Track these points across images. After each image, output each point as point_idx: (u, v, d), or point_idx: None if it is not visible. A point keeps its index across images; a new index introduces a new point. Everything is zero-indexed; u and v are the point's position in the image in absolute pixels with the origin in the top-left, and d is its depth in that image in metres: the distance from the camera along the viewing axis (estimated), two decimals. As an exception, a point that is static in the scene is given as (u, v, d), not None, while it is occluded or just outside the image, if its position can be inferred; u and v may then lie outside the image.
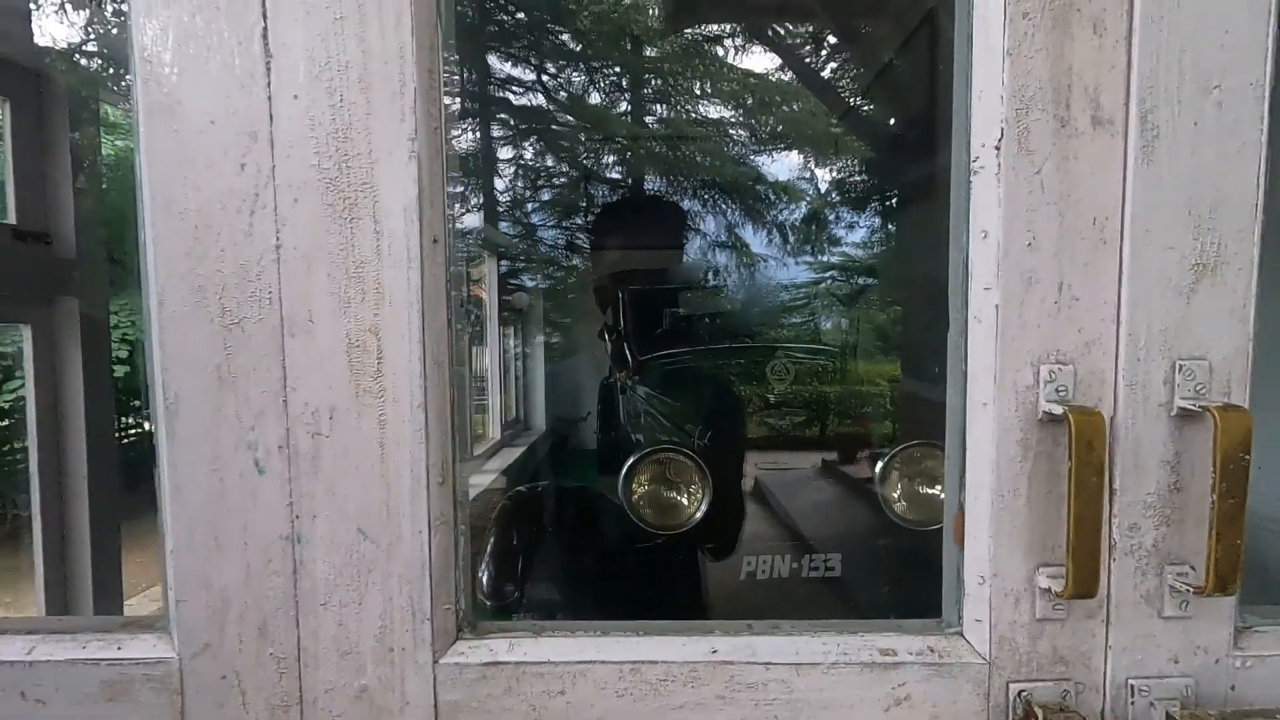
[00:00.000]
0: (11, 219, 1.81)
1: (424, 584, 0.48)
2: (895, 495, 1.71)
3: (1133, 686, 0.47)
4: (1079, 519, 0.44)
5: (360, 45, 0.45)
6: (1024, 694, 0.47)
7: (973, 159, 0.46)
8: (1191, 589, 0.45)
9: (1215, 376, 0.46)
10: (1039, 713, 0.46)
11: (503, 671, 0.48)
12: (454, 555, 0.49)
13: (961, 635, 0.49)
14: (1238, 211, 0.45)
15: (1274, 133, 0.45)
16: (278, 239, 0.46)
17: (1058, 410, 0.45)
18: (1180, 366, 0.45)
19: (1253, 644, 0.48)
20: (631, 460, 1.94)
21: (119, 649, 0.49)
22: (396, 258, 0.46)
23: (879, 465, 1.84)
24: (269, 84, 0.45)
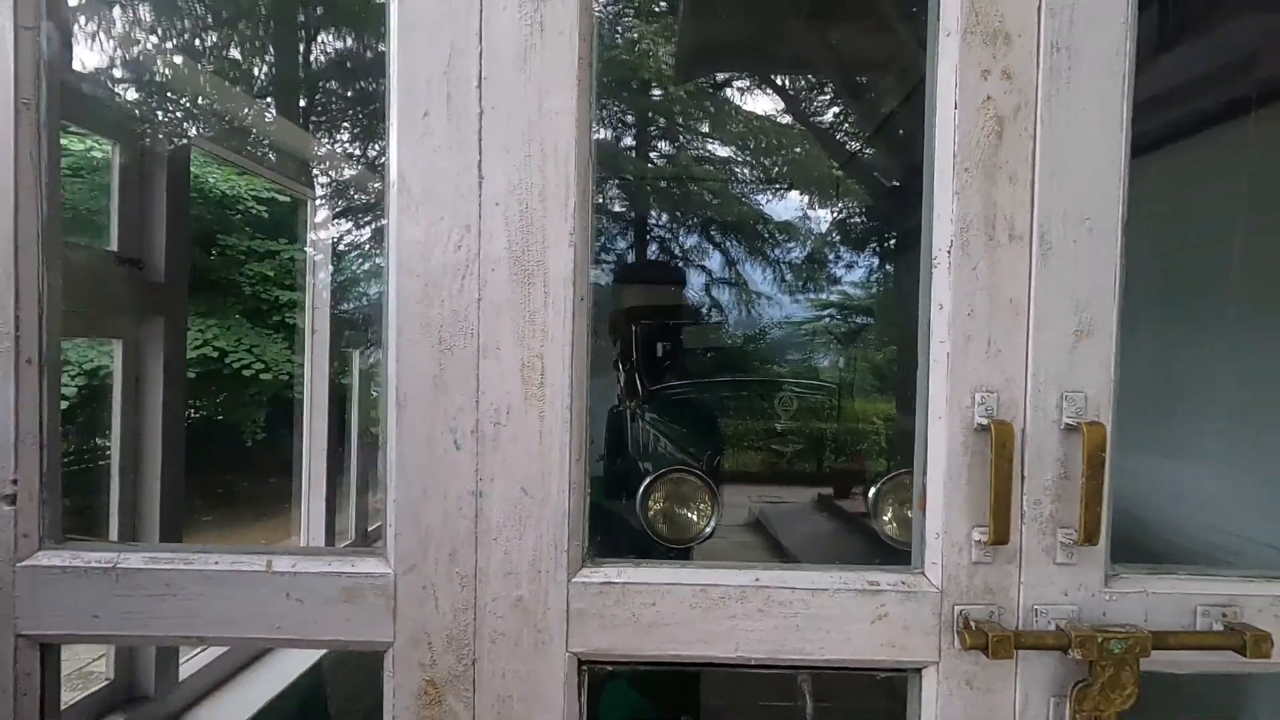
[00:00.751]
0: (114, 246, 2.07)
1: (564, 527, 0.72)
2: (887, 518, 1.95)
3: (1036, 610, 0.71)
4: (997, 493, 0.68)
5: (541, 173, 0.71)
6: (964, 612, 0.71)
7: (933, 258, 0.72)
8: (1073, 543, 0.70)
9: (1089, 404, 0.71)
10: (974, 624, 0.70)
11: (614, 588, 0.72)
12: (583, 508, 0.73)
13: (923, 573, 0.73)
14: (1103, 298, 0.71)
15: (1126, 249, 0.71)
16: (479, 295, 0.71)
17: (985, 422, 0.70)
18: (1066, 396, 0.71)
19: (1118, 585, 0.72)
20: (648, 480, 2.19)
21: (353, 566, 0.72)
22: (557, 309, 0.71)
23: (873, 490, 2.08)
24: (480, 196, 0.71)
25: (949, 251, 0.71)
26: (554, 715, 0.72)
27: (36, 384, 0.73)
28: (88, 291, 1.96)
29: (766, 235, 7.45)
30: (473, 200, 0.71)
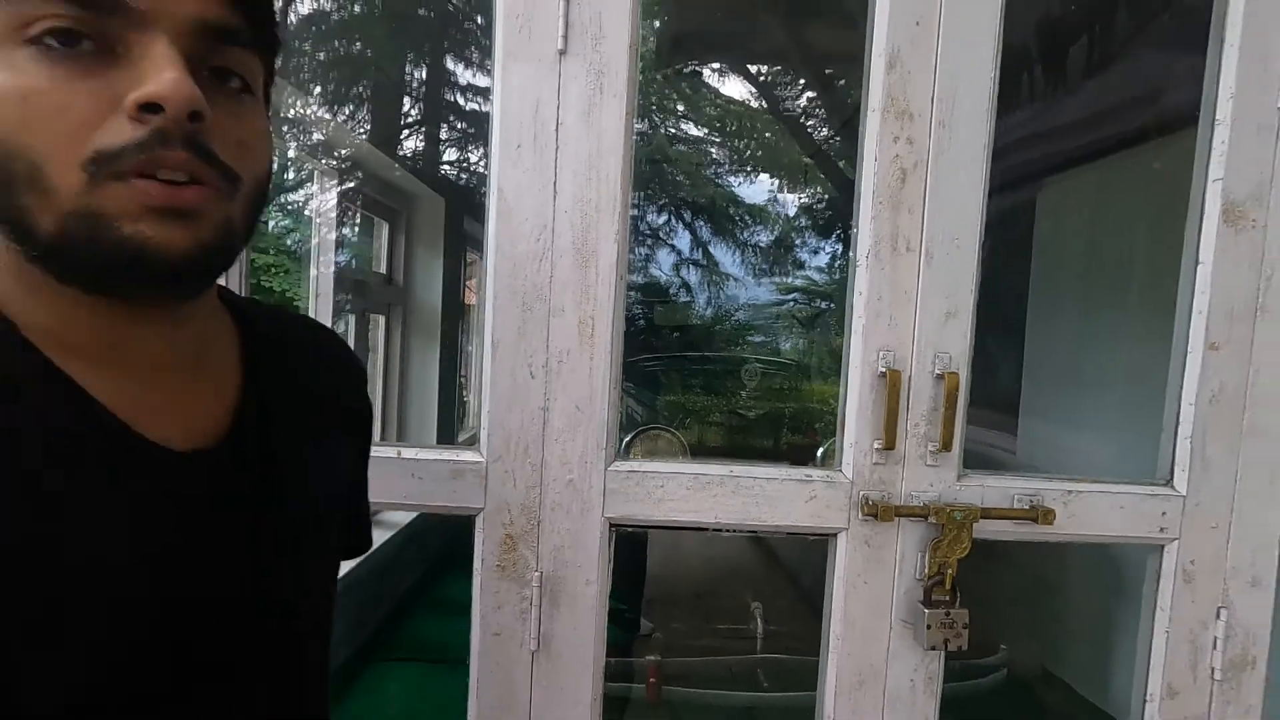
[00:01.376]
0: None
1: (604, 433, 1.08)
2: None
3: (912, 495, 1.10)
4: (889, 418, 1.06)
5: (597, 191, 1.05)
6: (865, 495, 1.09)
7: (857, 261, 1.09)
8: (937, 450, 1.09)
9: (952, 360, 1.09)
10: (871, 502, 1.08)
11: (635, 475, 1.08)
12: (617, 421, 1.09)
13: (841, 470, 1.11)
14: (965, 291, 1.09)
15: (982, 259, 1.09)
16: (551, 274, 1.06)
17: (884, 371, 1.07)
18: (937, 355, 1.09)
19: (966, 481, 1.11)
20: (629, 436, 2.56)
21: (458, 456, 1.07)
22: (604, 284, 1.06)
23: (821, 450, 2.49)
24: (554, 205, 1.05)
25: (867, 257, 1.08)
26: (592, 559, 1.09)
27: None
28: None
29: (736, 218, 7.81)
30: (549, 208, 1.05)
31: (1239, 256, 1.10)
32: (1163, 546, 1.15)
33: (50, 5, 0.37)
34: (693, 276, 7.84)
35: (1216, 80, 1.10)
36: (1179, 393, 1.14)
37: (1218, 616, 1.15)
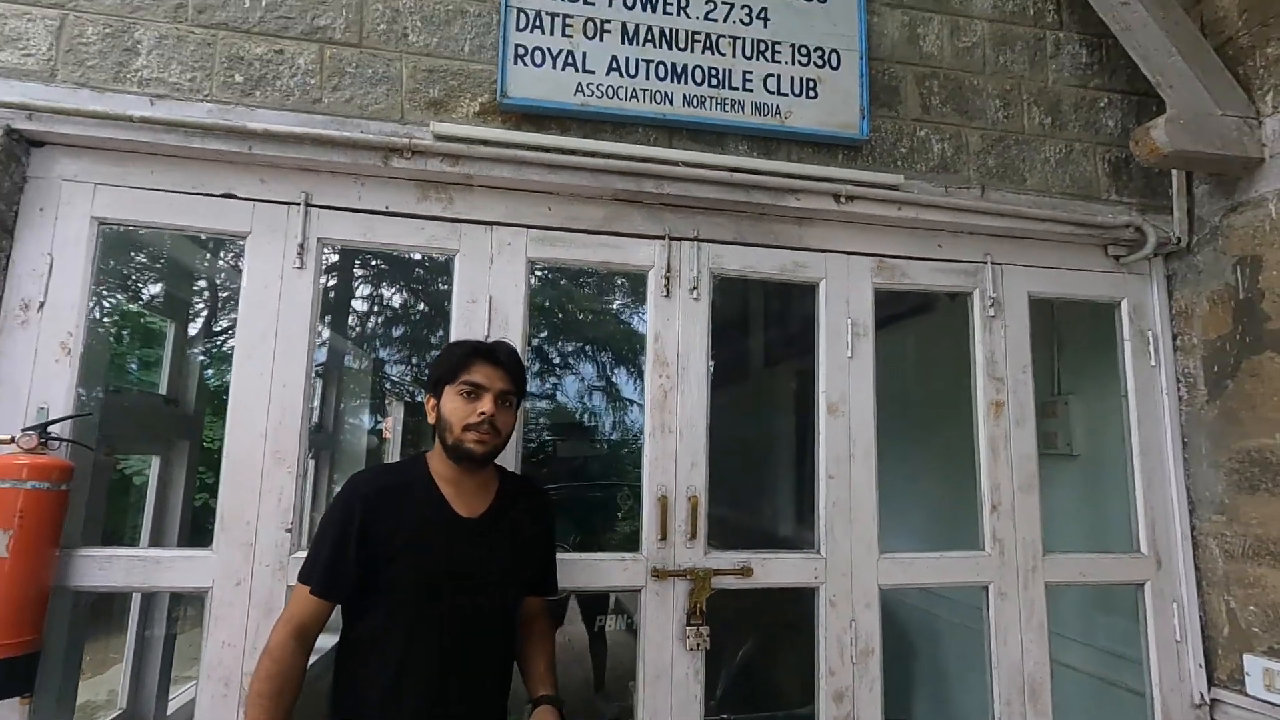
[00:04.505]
0: (163, 390, 3.21)
1: (509, 538, 2.04)
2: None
3: (679, 564, 2.10)
4: (663, 522, 2.09)
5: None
6: (654, 565, 2.08)
7: (641, 440, 2.15)
8: (689, 539, 2.11)
9: (696, 490, 2.14)
10: (657, 569, 2.08)
11: (527, 561, 2.04)
12: (516, 531, 2.06)
13: (641, 552, 2.10)
14: (700, 452, 2.16)
15: (711, 435, 2.17)
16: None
17: (660, 496, 2.11)
18: (688, 487, 2.13)
19: (711, 555, 2.12)
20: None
21: (426, 555, 2.00)
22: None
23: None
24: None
25: (649, 435, 2.14)
26: (503, 611, 2.01)
27: (293, 481, 1.96)
28: (146, 422, 3.04)
29: (634, 352, 9.02)
30: (478, 416, 2.06)
31: (836, 430, 2.24)
32: (818, 588, 2.19)
33: (465, 386, 1.64)
34: (595, 407, 8.86)
35: (818, 343, 2.29)
36: (817, 500, 2.24)
37: (850, 626, 2.18)
